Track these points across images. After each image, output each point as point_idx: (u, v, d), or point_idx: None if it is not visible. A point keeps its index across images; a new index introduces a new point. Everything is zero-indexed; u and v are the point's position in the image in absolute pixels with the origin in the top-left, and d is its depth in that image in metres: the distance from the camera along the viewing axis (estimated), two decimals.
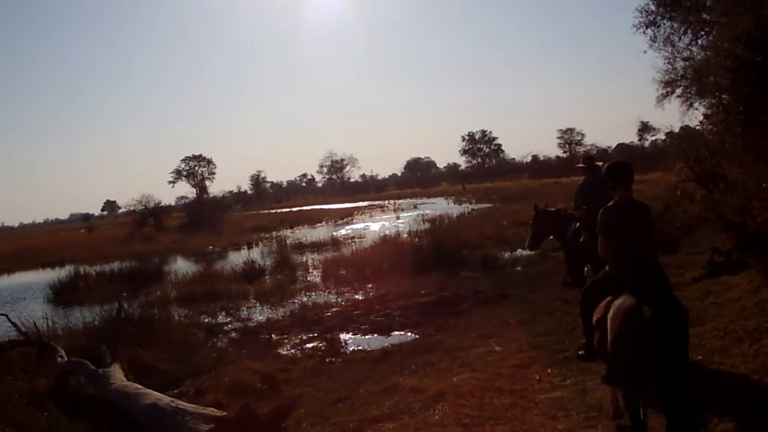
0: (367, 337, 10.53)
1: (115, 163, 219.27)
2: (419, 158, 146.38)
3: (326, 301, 13.87)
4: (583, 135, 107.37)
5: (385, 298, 13.25)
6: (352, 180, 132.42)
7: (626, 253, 4.76)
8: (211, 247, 33.36)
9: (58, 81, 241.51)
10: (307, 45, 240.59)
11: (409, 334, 10.30)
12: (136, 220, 52.35)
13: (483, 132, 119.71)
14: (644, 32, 17.19)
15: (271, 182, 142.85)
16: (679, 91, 17.81)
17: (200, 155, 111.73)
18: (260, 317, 13.02)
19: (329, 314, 12.37)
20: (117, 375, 8.07)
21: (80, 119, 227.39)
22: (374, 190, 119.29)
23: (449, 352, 8.30)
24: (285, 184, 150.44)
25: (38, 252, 41.71)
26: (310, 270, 18.79)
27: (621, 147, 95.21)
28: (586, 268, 6.73)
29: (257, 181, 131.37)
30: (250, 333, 11.55)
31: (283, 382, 8.15)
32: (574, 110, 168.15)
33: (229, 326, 12.39)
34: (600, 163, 7.68)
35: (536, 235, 9.71)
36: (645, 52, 17.21)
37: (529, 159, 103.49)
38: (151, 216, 52.55)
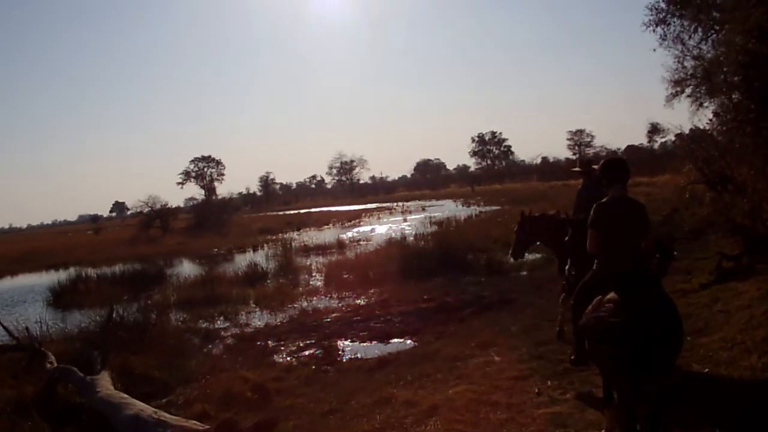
0: (365, 344, 10.28)
1: (125, 164, 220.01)
2: (429, 160, 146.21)
3: (327, 306, 13.62)
4: (592, 136, 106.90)
5: (386, 303, 13.01)
6: (361, 182, 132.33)
7: (618, 252, 4.68)
8: (216, 250, 33.19)
9: (67, 82, 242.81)
10: (316, 46, 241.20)
11: (408, 341, 10.06)
12: (142, 222, 52.36)
13: (493, 133, 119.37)
14: (654, 30, 16.97)
15: (281, 184, 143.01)
16: (688, 90, 17.53)
17: (209, 156, 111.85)
18: (259, 323, 12.79)
19: (329, 320, 12.13)
20: (104, 383, 7.83)
21: (89, 120, 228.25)
22: (383, 191, 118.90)
23: (447, 361, 8.02)
24: (294, 185, 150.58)
25: (43, 254, 41.71)
26: (313, 274, 18.57)
27: (630, 149, 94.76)
28: (567, 267, 6.52)
29: (266, 182, 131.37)
30: (247, 339, 11.32)
31: (275, 392, 7.89)
32: (583, 112, 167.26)
33: (227, 332, 12.17)
34: (596, 167, 7.39)
35: (521, 243, 9.17)
36: (654, 50, 16.99)
37: (538, 161, 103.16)
38: (157, 218, 52.53)
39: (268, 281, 17.74)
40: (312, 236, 33.30)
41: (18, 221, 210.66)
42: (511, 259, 10.14)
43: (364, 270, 16.83)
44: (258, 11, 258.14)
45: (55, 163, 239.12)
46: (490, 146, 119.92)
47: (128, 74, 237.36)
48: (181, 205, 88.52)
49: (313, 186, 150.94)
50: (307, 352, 10.00)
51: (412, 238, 21.62)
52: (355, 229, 37.32)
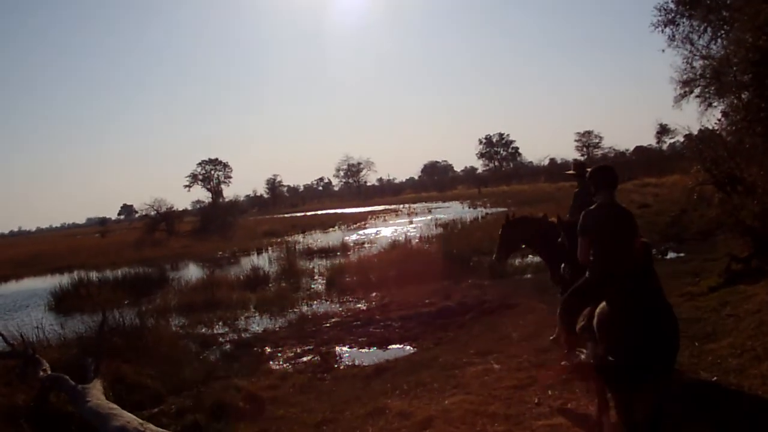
0: (363, 350, 10.07)
1: (134, 167, 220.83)
2: (436, 162, 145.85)
3: (327, 310, 13.41)
4: (600, 138, 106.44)
5: (387, 307, 12.80)
6: (368, 184, 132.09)
7: (609, 258, 4.71)
8: (220, 253, 33.01)
9: (78, 86, 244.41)
10: (324, 49, 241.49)
11: (407, 347, 9.85)
12: (147, 225, 52.23)
13: (500, 135, 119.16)
14: (662, 31, 16.88)
15: (288, 186, 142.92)
16: (697, 90, 17.36)
17: (216, 159, 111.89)
18: (258, 328, 12.58)
19: (328, 325, 11.91)
20: (95, 392, 7.65)
21: (99, 123, 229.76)
22: (390, 193, 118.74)
23: (444, 369, 7.79)
24: (301, 187, 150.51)
25: (49, 257, 41.62)
26: (315, 277, 18.34)
27: (639, 149, 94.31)
28: (562, 266, 6.32)
29: (273, 185, 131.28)
30: (245, 345, 11.10)
31: (269, 401, 7.67)
32: (592, 113, 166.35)
33: (225, 337, 11.93)
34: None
35: (505, 247, 8.72)
36: (663, 51, 16.90)
37: (546, 162, 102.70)
38: (162, 221, 52.42)
39: (270, 285, 17.50)
40: (317, 239, 33.07)
41: (27, 224, 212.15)
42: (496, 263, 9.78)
43: (366, 273, 16.63)
44: (267, 15, 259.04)
45: (65, 166, 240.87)
46: (497, 148, 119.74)
47: (139, 78, 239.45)
48: (189, 207, 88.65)
49: (320, 188, 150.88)
50: (304, 359, 9.79)
51: (416, 241, 21.36)
52: (360, 232, 37.08)
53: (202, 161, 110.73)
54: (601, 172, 5.00)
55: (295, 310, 13.76)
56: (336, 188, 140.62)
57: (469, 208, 50.53)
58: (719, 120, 14.03)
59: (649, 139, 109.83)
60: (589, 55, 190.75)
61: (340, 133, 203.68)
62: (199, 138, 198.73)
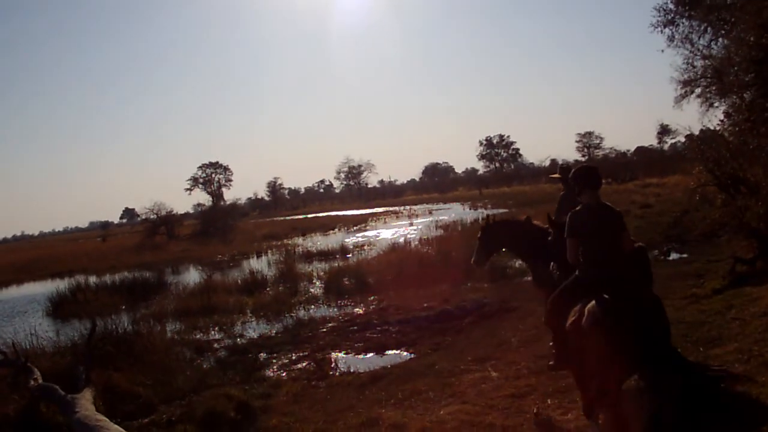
0: (359, 356, 9.88)
1: (136, 171, 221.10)
2: (437, 163, 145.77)
3: (324, 315, 13.22)
4: (601, 138, 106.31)
5: (385, 311, 12.61)
6: (369, 186, 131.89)
7: (597, 257, 4.76)
8: (219, 257, 32.81)
9: (81, 89, 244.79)
10: (326, 51, 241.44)
11: (404, 353, 9.67)
12: (147, 229, 52.08)
13: (501, 136, 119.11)
14: (662, 31, 16.80)
15: (289, 189, 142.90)
16: (698, 90, 17.22)
17: (217, 162, 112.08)
18: (253, 333, 12.38)
19: (324, 330, 11.72)
20: (84, 402, 7.46)
21: (100, 126, 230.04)
22: (392, 195, 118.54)
23: (441, 377, 7.58)
24: (303, 190, 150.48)
25: (50, 262, 41.50)
26: (314, 281, 18.10)
27: (640, 150, 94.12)
28: (552, 266, 6.19)
29: (274, 187, 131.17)
30: (240, 351, 10.90)
31: (261, 410, 7.48)
32: (592, 114, 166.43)
33: (220, 343, 11.75)
34: None
35: (485, 250, 8.37)
36: (662, 51, 16.78)
37: (547, 163, 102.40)
38: (162, 224, 52.27)
39: (268, 289, 17.30)
40: (316, 241, 32.86)
41: (30, 228, 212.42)
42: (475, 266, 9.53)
43: (364, 276, 16.42)
44: (268, 17, 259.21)
45: (67, 170, 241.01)
46: (498, 149, 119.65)
47: (142, 81, 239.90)
48: (190, 211, 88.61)
49: (322, 191, 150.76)
50: (299, 366, 9.61)
51: (416, 243, 21.17)
52: (360, 234, 36.89)
53: (203, 164, 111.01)
54: (584, 173, 5.01)
55: (292, 314, 13.56)
56: (337, 190, 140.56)
57: (470, 209, 50.34)
58: (721, 120, 13.86)
59: (650, 140, 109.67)
60: (589, 55, 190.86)
61: (341, 135, 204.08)
62: (201, 140, 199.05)
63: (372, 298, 14.32)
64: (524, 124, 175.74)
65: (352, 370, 8.94)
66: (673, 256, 15.08)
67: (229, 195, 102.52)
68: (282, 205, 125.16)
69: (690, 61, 16.57)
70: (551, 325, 5.14)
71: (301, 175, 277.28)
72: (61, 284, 23.88)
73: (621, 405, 4.38)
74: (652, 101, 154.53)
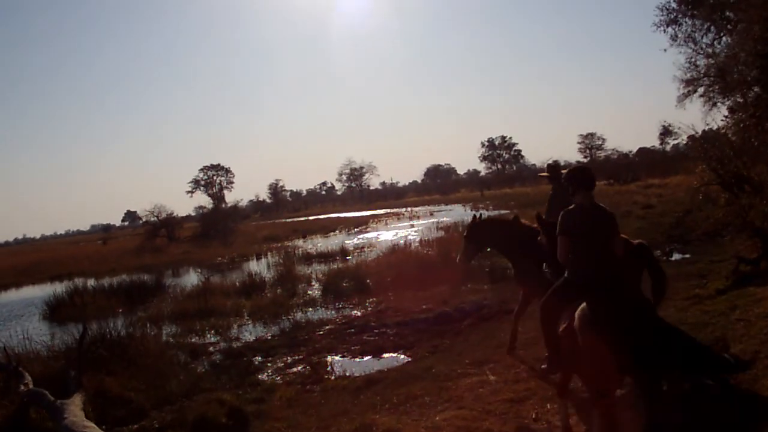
0: (355, 359, 9.69)
1: (138, 174, 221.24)
2: (439, 165, 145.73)
3: (321, 317, 13.04)
4: (603, 140, 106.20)
5: (383, 313, 12.44)
6: (371, 188, 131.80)
7: (589, 258, 4.72)
8: (219, 259, 32.65)
9: (83, 92, 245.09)
10: (327, 54, 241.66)
11: (401, 356, 9.47)
12: (148, 232, 51.99)
13: (503, 138, 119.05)
14: (665, 31, 16.74)
15: (291, 191, 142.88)
16: (701, 90, 17.08)
17: (218, 164, 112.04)
18: (250, 336, 12.20)
19: (321, 333, 11.54)
20: (72, 408, 7.31)
21: (101, 128, 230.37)
22: (393, 197, 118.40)
23: (438, 381, 7.38)
24: (304, 192, 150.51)
25: (50, 265, 41.43)
26: (312, 283, 17.93)
27: (642, 151, 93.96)
28: (543, 266, 6.12)
29: (275, 189, 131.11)
30: (235, 355, 10.71)
31: (254, 415, 7.30)
32: (594, 115, 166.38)
33: (215, 347, 11.55)
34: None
35: (471, 248, 8.38)
36: (665, 50, 16.70)
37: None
38: (163, 227, 52.15)
39: (266, 291, 17.12)
40: (316, 243, 32.69)
41: (32, 231, 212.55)
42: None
43: (363, 278, 16.26)
44: (269, 19, 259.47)
45: (68, 173, 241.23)
46: (500, 150, 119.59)
47: (144, 83, 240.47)
48: (192, 213, 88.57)
49: (323, 193, 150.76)
50: (294, 369, 9.43)
51: (416, 245, 20.99)
52: (361, 236, 36.69)
53: (204, 166, 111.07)
54: (579, 173, 5.01)
55: (289, 317, 13.37)
56: (339, 192, 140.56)
57: (472, 210, 50.12)
58: (725, 117, 13.71)
59: (652, 141, 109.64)
60: (591, 56, 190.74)
61: (342, 136, 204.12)
62: (203, 143, 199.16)
63: (370, 300, 14.16)
64: (526, 126, 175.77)
65: (347, 374, 8.77)
66: (676, 256, 14.89)
67: (231, 197, 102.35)
68: (283, 207, 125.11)
69: (693, 59, 16.46)
70: (543, 328, 5.05)
71: (302, 177, 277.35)
72: (58, 288, 23.76)
73: (616, 409, 4.29)
74: (654, 102, 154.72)
